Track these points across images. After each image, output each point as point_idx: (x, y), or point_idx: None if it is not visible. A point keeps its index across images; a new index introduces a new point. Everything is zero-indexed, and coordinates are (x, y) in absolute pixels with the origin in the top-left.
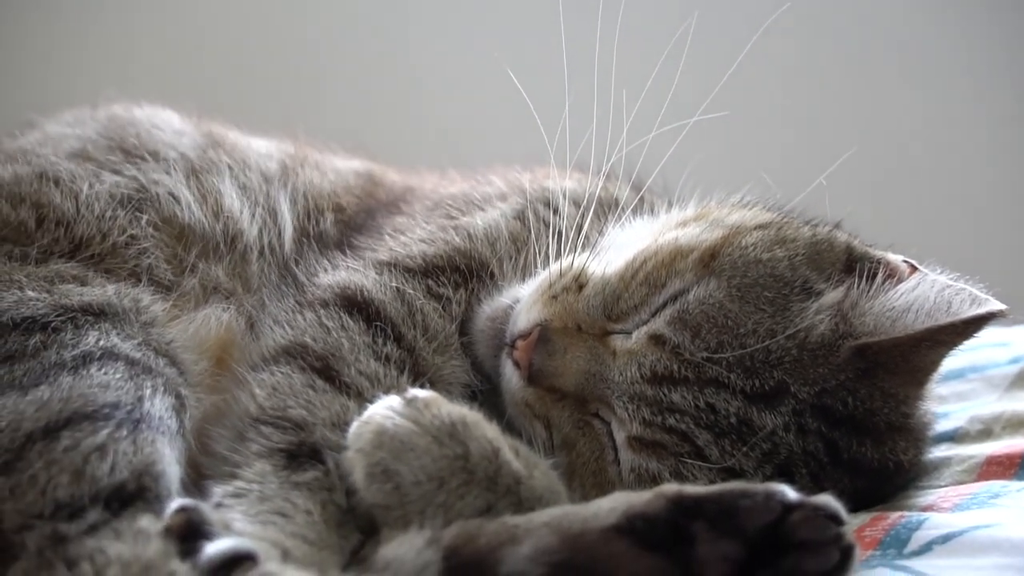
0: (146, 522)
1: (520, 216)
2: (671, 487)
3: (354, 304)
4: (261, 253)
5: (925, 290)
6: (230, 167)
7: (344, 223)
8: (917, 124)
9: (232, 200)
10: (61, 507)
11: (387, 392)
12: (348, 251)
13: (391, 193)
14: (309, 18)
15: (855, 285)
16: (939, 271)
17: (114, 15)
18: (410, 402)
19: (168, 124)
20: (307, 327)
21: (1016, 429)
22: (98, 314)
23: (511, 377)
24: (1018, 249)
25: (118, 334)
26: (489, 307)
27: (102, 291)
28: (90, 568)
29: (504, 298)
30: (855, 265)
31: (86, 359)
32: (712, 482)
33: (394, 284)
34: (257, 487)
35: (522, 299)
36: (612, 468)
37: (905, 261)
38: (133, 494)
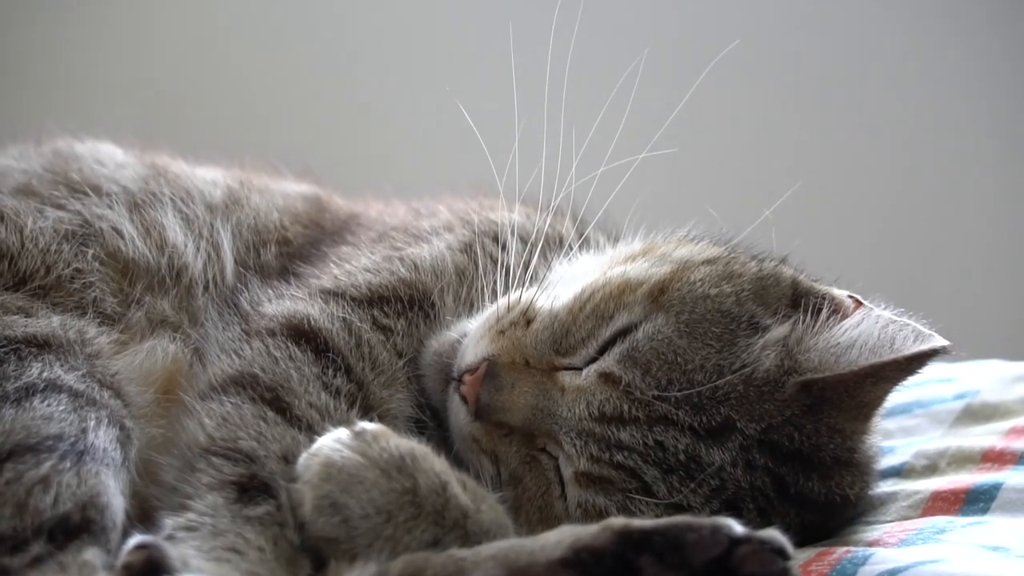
0: (91, 555)
1: (467, 249)
2: (618, 520)
3: (301, 334)
4: (207, 287)
5: (869, 326)
6: (173, 199)
7: (289, 255)
8: (864, 159)
9: (176, 233)
10: (4, 540)
11: (337, 426)
12: (292, 279)
13: (336, 219)
14: (258, 45)
15: (800, 321)
16: (883, 306)
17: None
18: (358, 435)
19: (110, 158)
20: (255, 357)
21: (961, 465)
22: (42, 345)
23: (458, 412)
24: (963, 283)
25: (62, 366)
26: (436, 342)
27: (47, 322)
28: None
29: (451, 332)
30: (801, 300)
31: (29, 391)
32: (659, 517)
33: (341, 314)
34: (210, 521)
35: (469, 333)
36: (559, 503)
37: (850, 296)
38: (78, 526)
